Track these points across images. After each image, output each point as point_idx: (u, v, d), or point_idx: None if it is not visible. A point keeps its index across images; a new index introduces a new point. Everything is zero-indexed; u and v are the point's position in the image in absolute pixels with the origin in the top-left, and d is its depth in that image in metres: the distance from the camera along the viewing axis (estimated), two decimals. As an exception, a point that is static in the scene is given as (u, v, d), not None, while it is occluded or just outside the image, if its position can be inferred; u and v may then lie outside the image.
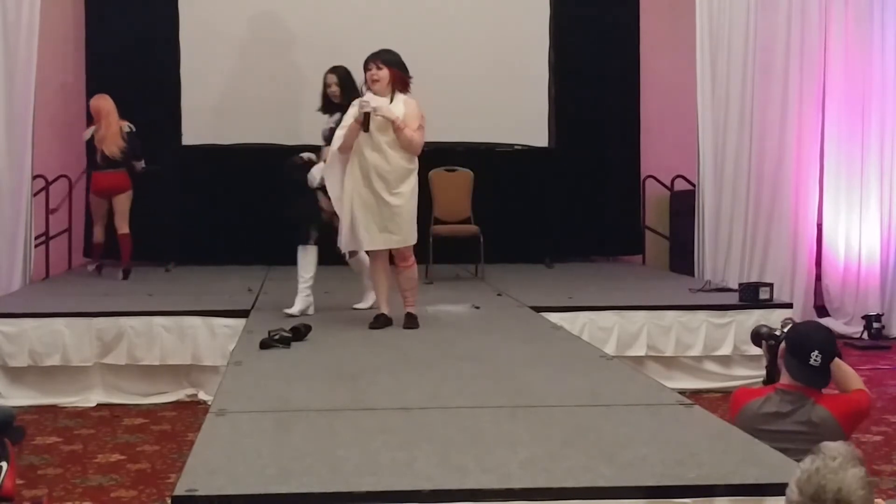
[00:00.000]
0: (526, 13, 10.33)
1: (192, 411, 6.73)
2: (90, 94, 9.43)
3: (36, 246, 9.09)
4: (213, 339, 7.06)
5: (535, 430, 3.90)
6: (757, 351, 4.34)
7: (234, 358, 5.47)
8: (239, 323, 6.84)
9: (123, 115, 8.81)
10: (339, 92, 6.89)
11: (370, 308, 6.89)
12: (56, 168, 9.54)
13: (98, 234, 9.19)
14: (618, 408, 4.28)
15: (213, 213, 9.89)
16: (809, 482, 2.19)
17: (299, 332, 5.90)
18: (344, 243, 6.45)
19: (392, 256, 6.52)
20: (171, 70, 9.91)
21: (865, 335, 9.50)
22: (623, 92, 10.48)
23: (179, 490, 3.11)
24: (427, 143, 6.45)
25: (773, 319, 6.45)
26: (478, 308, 7.35)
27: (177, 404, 7.03)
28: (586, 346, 6.14)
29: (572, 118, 10.33)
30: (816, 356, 3.87)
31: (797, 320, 5.20)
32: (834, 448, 2.24)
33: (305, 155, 7.13)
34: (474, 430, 3.89)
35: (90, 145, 8.87)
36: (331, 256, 6.89)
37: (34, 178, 8.96)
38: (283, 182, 7.17)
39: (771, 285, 7.79)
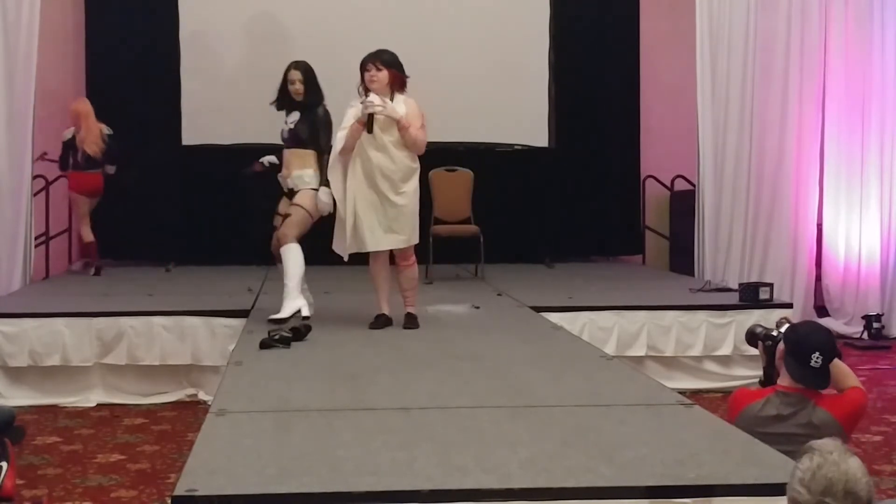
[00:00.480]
0: (526, 13, 10.33)
1: (192, 411, 6.72)
2: (90, 94, 9.45)
3: (36, 246, 9.09)
4: (213, 339, 7.05)
5: (535, 430, 3.90)
6: (757, 351, 4.32)
7: (234, 358, 5.47)
8: (239, 323, 6.84)
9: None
10: (304, 90, 6.51)
11: (289, 318, 6.25)
12: (56, 168, 9.53)
13: (87, 234, 9.24)
14: (618, 408, 4.28)
15: (213, 213, 9.88)
16: (815, 480, 2.22)
17: (299, 332, 5.90)
18: (346, 246, 6.35)
19: (393, 256, 6.51)
20: (171, 70, 9.92)
21: (865, 335, 9.49)
22: (623, 92, 10.48)
23: (179, 490, 3.11)
24: (427, 143, 6.44)
25: (773, 319, 6.40)
26: (478, 308, 7.35)
27: (177, 404, 7.03)
28: (586, 346, 6.14)
29: (572, 118, 10.33)
30: (817, 357, 3.82)
31: (797, 320, 5.18)
32: (827, 444, 2.30)
33: (266, 159, 7.04)
34: (474, 430, 3.89)
35: (66, 145, 9.09)
36: (331, 256, 6.87)
37: (34, 178, 8.97)
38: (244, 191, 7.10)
39: (771, 285, 7.79)
